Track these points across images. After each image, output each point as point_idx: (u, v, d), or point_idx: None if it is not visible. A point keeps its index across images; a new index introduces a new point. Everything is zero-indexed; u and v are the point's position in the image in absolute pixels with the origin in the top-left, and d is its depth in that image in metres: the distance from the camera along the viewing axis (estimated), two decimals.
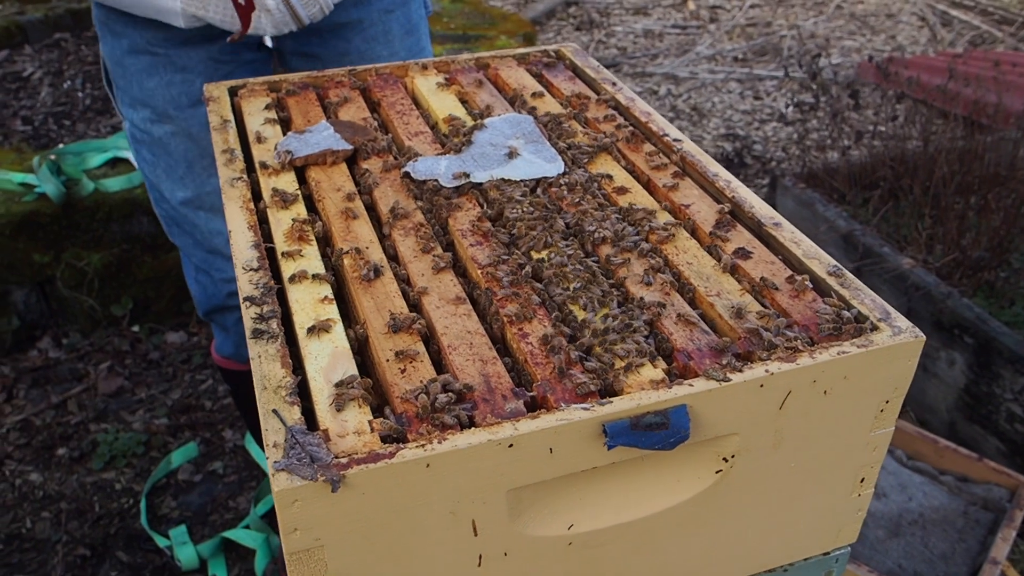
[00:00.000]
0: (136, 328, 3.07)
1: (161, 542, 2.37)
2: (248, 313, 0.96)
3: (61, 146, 3.17)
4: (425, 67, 1.53)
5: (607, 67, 5.30)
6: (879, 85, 4.48)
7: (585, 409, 0.85)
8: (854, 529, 1.10)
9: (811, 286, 1.02)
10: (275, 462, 0.78)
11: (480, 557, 0.89)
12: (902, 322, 0.96)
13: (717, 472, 0.95)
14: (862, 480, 1.04)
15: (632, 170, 1.27)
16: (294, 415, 0.84)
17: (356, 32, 1.77)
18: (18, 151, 3.19)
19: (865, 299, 1.00)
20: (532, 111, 1.40)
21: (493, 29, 4.47)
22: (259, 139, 1.32)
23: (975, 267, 2.81)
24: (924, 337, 0.95)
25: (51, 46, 4.17)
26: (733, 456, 0.94)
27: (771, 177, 3.61)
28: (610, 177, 1.23)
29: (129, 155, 3.05)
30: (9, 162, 3.04)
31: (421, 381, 0.89)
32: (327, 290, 1.01)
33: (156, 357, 3.01)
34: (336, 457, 0.79)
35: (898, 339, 0.94)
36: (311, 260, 1.06)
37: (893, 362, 0.95)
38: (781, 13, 6.07)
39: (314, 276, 1.03)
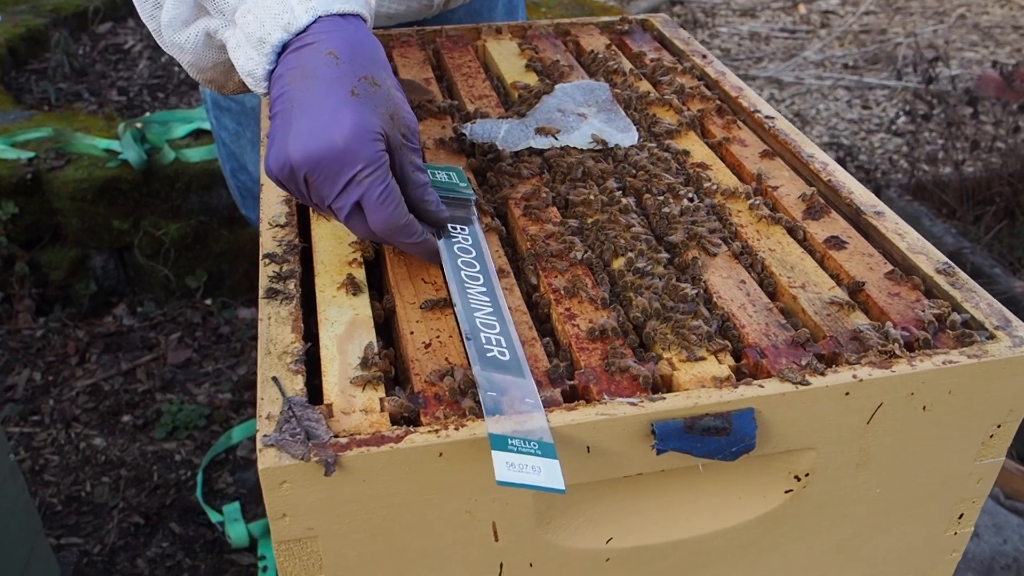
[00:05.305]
0: (209, 301, 3.05)
1: (214, 517, 2.33)
2: (265, 271, 0.86)
3: (147, 114, 3.17)
4: (499, 31, 1.42)
5: None
6: (1000, 98, 4.18)
7: (632, 404, 0.72)
8: (946, 572, 0.94)
9: (920, 285, 0.87)
10: (264, 436, 0.68)
11: (501, 566, 0.77)
12: None
13: (787, 492, 0.81)
14: (960, 516, 0.89)
15: (715, 146, 1.13)
16: (296, 385, 0.73)
17: (462, 4, 1.69)
18: (108, 119, 3.21)
19: (980, 303, 0.84)
20: (610, 78, 1.27)
21: None
22: None
23: None
24: None
25: None
26: (807, 475, 0.80)
27: (875, 188, 3.39)
28: (688, 152, 1.10)
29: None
30: (98, 129, 3.06)
31: (447, 360, 0.77)
32: (356, 253, 0.91)
33: (226, 332, 2.99)
34: (336, 436, 0.69)
35: (1019, 351, 0.78)
36: None
37: (1011, 378, 0.79)
38: (898, 21, 5.76)
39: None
